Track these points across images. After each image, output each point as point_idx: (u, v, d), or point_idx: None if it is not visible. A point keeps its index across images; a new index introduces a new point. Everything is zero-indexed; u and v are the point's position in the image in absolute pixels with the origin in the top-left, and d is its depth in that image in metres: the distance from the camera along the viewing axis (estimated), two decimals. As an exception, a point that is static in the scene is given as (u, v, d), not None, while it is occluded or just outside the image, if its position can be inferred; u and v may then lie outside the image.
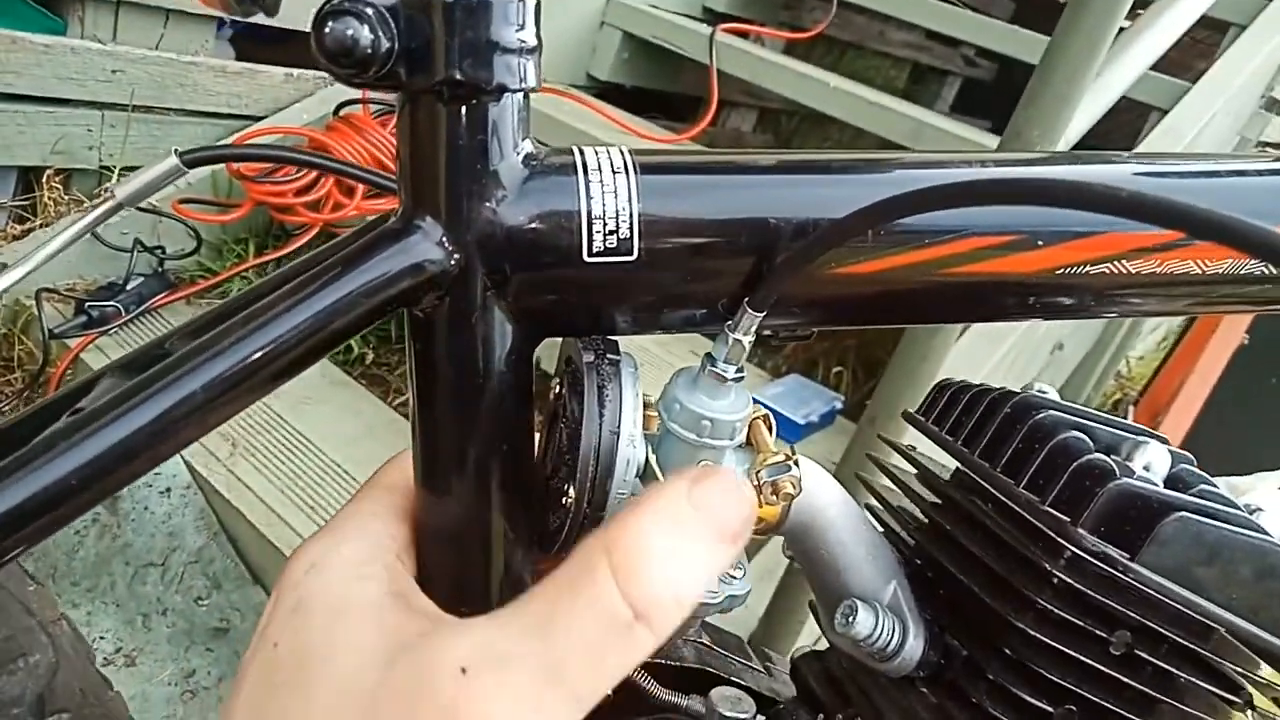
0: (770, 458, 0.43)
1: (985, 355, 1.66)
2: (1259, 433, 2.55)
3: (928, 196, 0.34)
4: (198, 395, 0.34)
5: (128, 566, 1.60)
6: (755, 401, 0.43)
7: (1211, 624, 0.42)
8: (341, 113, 2.08)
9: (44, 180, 1.92)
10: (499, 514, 0.41)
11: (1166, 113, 2.07)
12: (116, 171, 1.96)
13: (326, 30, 0.33)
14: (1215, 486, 0.46)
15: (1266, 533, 0.43)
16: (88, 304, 1.75)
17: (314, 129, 2.07)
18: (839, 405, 1.89)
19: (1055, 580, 0.42)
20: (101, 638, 1.57)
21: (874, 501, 0.54)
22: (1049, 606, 0.42)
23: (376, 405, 1.85)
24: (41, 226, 1.91)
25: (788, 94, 2.35)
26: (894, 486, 0.53)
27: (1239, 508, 0.45)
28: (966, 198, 0.34)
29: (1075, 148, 1.39)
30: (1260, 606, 0.42)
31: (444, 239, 0.37)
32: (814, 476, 0.47)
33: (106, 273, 1.87)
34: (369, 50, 0.33)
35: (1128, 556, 0.42)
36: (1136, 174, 0.46)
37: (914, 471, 0.54)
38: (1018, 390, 0.49)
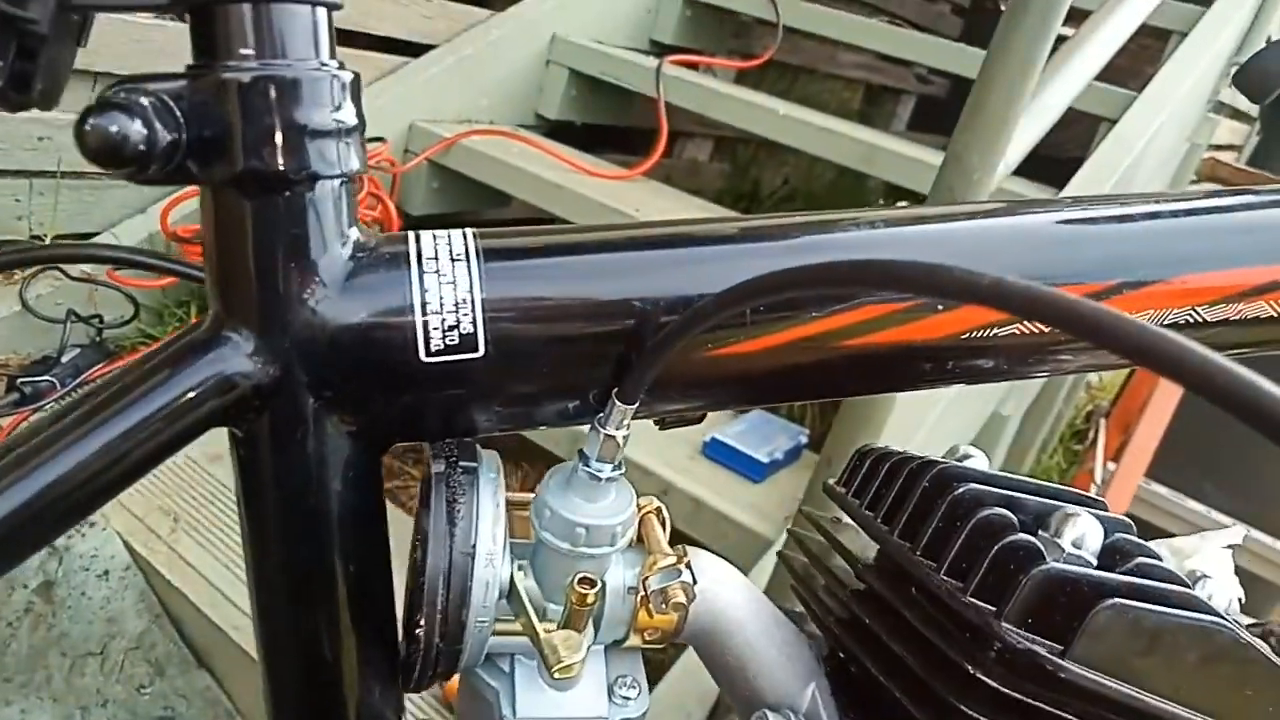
0: (660, 561, 0.38)
1: (947, 381, 1.63)
2: (1232, 435, 2.53)
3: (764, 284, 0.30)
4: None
5: (64, 657, 1.53)
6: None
7: (1157, 720, 0.38)
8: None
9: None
10: (349, 648, 0.37)
11: (1116, 122, 2.07)
12: (49, 239, 1.90)
13: (87, 128, 0.29)
14: (1155, 556, 0.42)
15: (1211, 609, 0.39)
16: (20, 380, 1.68)
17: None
18: (804, 440, 1.84)
19: (980, 683, 0.38)
20: (40, 733, 1.49)
21: (798, 584, 0.50)
22: (974, 715, 0.37)
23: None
24: (-27, 300, 1.84)
25: (737, 123, 2.32)
26: (816, 567, 0.49)
27: (1181, 580, 0.41)
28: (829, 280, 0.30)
29: (1024, 164, 1.37)
30: (1210, 695, 0.38)
31: (257, 348, 0.32)
32: (716, 574, 0.42)
33: (41, 346, 1.80)
34: (142, 147, 0.29)
35: (1059, 650, 0.37)
36: (1059, 221, 0.43)
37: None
38: (939, 459, 0.45)
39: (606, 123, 2.80)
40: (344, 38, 2.15)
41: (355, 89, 0.33)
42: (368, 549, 0.37)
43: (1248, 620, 0.43)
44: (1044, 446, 2.94)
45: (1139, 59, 2.47)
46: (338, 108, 0.32)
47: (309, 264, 0.32)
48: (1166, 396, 2.44)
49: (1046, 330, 0.39)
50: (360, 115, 0.33)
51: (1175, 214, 0.43)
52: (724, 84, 2.63)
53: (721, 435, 1.75)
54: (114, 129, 0.28)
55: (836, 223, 0.38)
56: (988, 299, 0.22)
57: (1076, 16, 1.49)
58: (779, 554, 0.53)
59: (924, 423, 1.54)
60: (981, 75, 1.07)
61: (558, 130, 2.61)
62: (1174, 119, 2.18)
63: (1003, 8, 1.04)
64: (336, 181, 0.32)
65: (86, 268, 1.77)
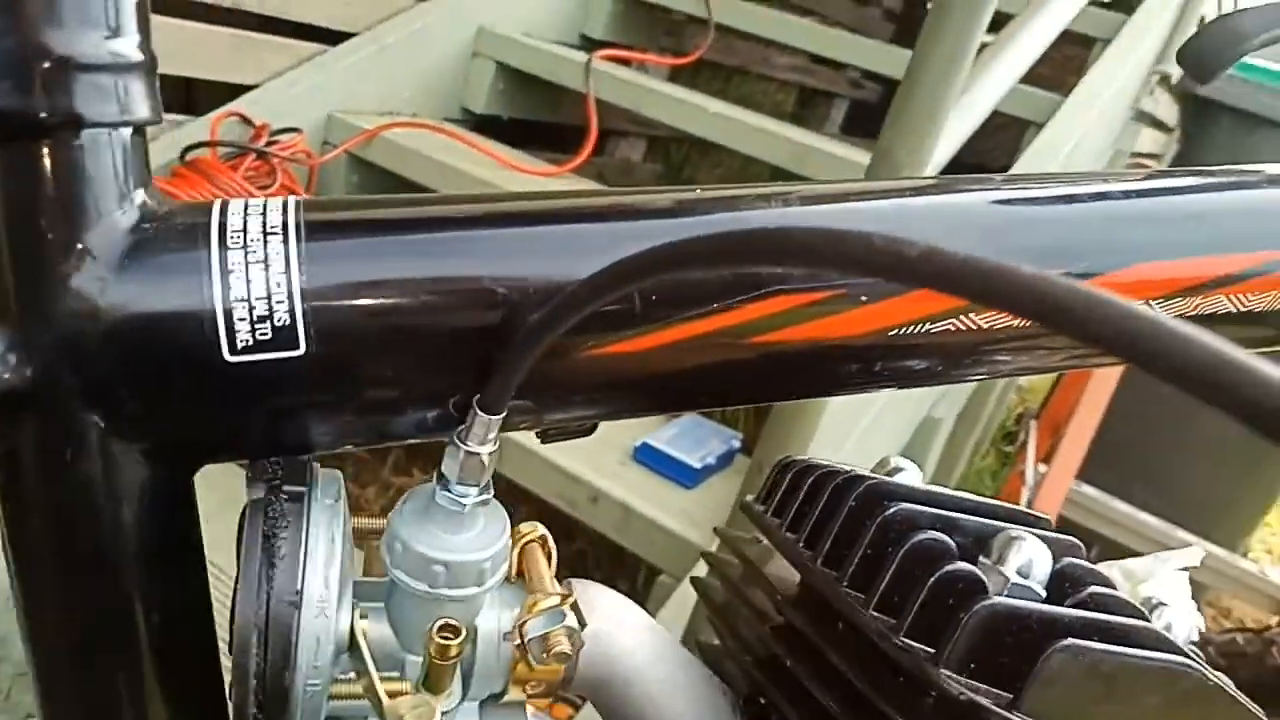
0: (541, 602, 0.32)
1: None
2: (1164, 436, 2.55)
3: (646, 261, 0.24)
4: None
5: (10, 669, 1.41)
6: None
7: (1117, 776, 0.33)
8: (188, 158, 1.92)
9: None
10: (150, 717, 0.29)
11: (1043, 126, 2.06)
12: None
13: None
14: (1107, 583, 0.37)
15: (1173, 645, 0.34)
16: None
17: (159, 177, 1.91)
18: (737, 445, 1.79)
19: (916, 740, 0.32)
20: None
21: (714, 615, 0.44)
22: (909, 777, 0.32)
23: (234, 475, 1.68)
24: None
25: (669, 121, 2.27)
26: (733, 598, 0.43)
27: (1139, 611, 0.36)
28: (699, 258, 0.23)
29: (949, 167, 1.34)
30: (1175, 744, 0.33)
31: (7, 342, 0.25)
32: (610, 613, 0.36)
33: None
34: None
35: (1007, 701, 0.32)
36: (994, 202, 0.37)
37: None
38: (867, 474, 0.40)
39: (535, 118, 2.73)
40: (262, 24, 2.05)
41: (142, 14, 0.26)
42: (178, 597, 0.30)
43: (1244, 629, 0.38)
44: (976, 449, 2.95)
45: (1064, 69, 2.49)
46: (114, 33, 0.25)
47: (76, 236, 0.25)
48: (1096, 398, 2.45)
49: (985, 326, 0.34)
50: (149, 50, 0.26)
51: (1126, 195, 0.38)
52: (656, 81, 2.58)
53: (653, 440, 1.69)
54: None
55: (743, 199, 0.32)
56: (918, 273, 0.17)
57: (1002, 22, 1.48)
58: (692, 580, 0.47)
59: (858, 425, 1.50)
60: (909, 71, 1.03)
61: (484, 125, 2.53)
62: (1100, 123, 2.19)
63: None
64: (113, 130, 0.25)
65: None
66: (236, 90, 2.03)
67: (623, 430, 1.72)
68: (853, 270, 0.18)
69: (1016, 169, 1.92)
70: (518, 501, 1.91)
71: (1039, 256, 0.37)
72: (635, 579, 1.87)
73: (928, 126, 1.02)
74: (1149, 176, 0.41)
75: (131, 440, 0.27)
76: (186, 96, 2.11)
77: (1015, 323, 0.35)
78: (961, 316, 0.34)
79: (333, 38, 2.19)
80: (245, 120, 1.98)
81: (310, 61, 2.14)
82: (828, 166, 2.05)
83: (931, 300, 0.33)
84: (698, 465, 1.68)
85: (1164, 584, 0.41)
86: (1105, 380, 2.40)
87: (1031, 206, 0.38)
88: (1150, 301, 0.38)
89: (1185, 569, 0.42)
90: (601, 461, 1.63)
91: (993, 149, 2.29)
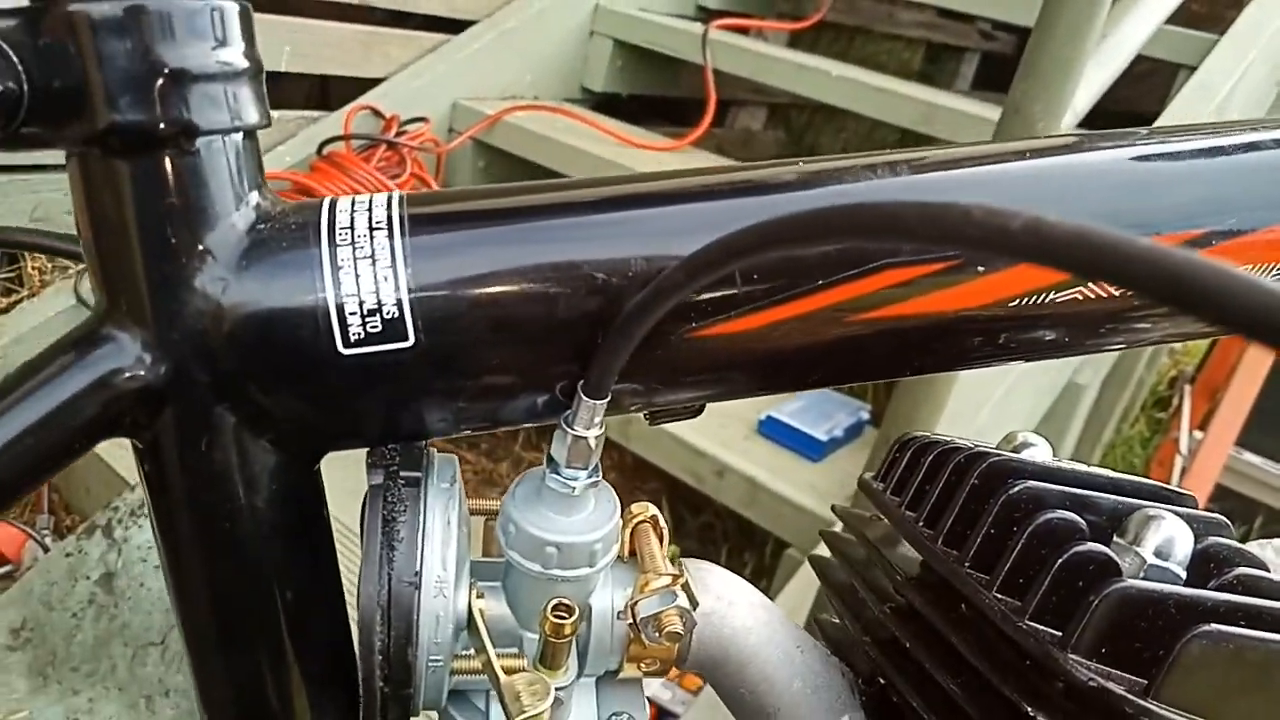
0: (652, 582, 0.32)
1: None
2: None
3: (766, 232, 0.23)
4: None
5: (127, 647, 1.53)
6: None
7: (1267, 771, 0.31)
8: (325, 151, 2.01)
9: (27, 250, 1.88)
10: (296, 692, 0.31)
11: (1195, 70, 1.92)
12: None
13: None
14: (1258, 564, 0.34)
15: (1335, 631, 0.32)
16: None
17: (298, 171, 2.01)
18: (865, 416, 1.76)
19: (1043, 728, 0.31)
20: (104, 724, 1.50)
21: (833, 595, 0.43)
22: (1035, 766, 0.31)
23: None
24: (29, 297, 1.86)
25: (789, 87, 2.23)
26: (852, 577, 0.42)
27: (1294, 593, 0.33)
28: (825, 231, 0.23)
29: (1089, 117, 1.26)
30: (1336, 740, 0.31)
31: (143, 343, 0.27)
32: (724, 593, 0.36)
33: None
34: (-31, 102, 0.24)
35: (1141, 688, 0.30)
36: (1134, 159, 0.35)
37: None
38: (992, 450, 0.38)
39: (654, 93, 2.72)
40: (388, 18, 2.12)
41: (246, 23, 0.27)
42: (310, 576, 0.32)
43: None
44: (1125, 416, 2.79)
45: (1219, 3, 2.30)
46: (221, 44, 0.26)
47: (197, 239, 0.27)
48: (1258, 359, 2.28)
49: (1116, 294, 0.32)
50: (254, 57, 0.27)
51: (1277, 144, 0.35)
52: (775, 48, 2.53)
53: (778, 413, 1.68)
54: (-72, 83, 0.23)
55: (848, 170, 0.31)
56: (1021, 247, 0.16)
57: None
58: (811, 559, 0.47)
59: (991, 397, 1.44)
60: (1042, 15, 0.97)
61: (604, 103, 2.55)
62: (1263, 60, 2.01)
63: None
64: (226, 136, 0.27)
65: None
66: (366, 84, 2.10)
67: (747, 404, 1.71)
68: (951, 245, 0.17)
69: (1165, 117, 1.79)
70: (646, 477, 1.93)
71: (1180, 215, 0.34)
72: (763, 552, 1.86)
73: (1063, 76, 0.96)
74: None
75: (259, 431, 0.29)
76: (321, 93, 2.21)
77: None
78: (1089, 285, 0.32)
79: (455, 27, 2.25)
80: (376, 113, 2.06)
81: (434, 52, 2.19)
82: (958, 126, 1.96)
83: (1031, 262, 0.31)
84: (824, 438, 1.65)
85: (1326, 564, 0.38)
86: (1270, 340, 2.22)
87: (1172, 163, 0.35)
88: (1306, 259, 0.35)
89: (1351, 547, 0.39)
90: (727, 436, 1.63)
91: (1142, 95, 2.14)
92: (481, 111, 2.17)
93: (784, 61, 2.24)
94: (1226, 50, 1.91)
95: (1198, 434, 2.24)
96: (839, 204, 0.19)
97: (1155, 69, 2.06)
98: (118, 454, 1.60)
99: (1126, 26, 1.20)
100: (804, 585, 1.29)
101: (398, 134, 2.03)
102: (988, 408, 1.43)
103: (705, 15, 2.74)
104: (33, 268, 1.89)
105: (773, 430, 1.66)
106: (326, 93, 2.20)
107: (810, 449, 1.63)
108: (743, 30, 2.65)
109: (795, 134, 3.17)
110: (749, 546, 1.91)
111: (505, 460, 1.92)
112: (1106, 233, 0.15)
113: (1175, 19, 1.63)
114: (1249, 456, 2.38)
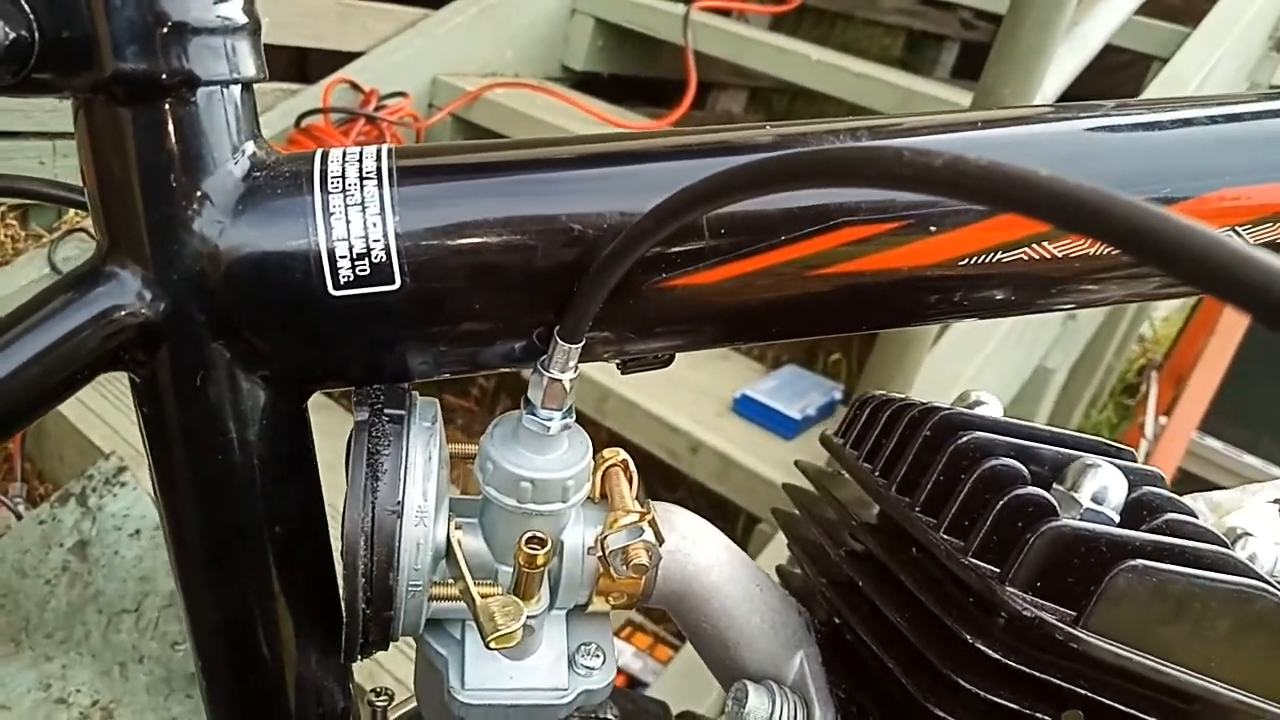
0: (621, 519, 0.34)
1: (986, 331, 1.56)
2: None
3: (733, 179, 0.25)
4: None
5: (101, 615, 1.54)
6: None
7: (1184, 696, 0.33)
8: (303, 124, 2.01)
9: (0, 218, 1.87)
10: (283, 618, 0.33)
11: (1167, 61, 1.95)
12: (76, 202, 1.90)
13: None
14: (1187, 511, 0.37)
15: (1250, 570, 0.34)
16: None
17: (275, 143, 2.00)
18: (838, 396, 1.79)
19: (981, 654, 0.33)
20: (78, 690, 1.51)
21: (793, 543, 0.46)
22: (975, 690, 0.33)
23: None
24: (1, 265, 1.85)
25: (770, 71, 2.24)
26: (811, 526, 0.44)
27: (1217, 538, 0.36)
28: (790, 177, 0.25)
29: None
30: (1245, 667, 0.33)
31: (143, 281, 0.29)
32: (689, 533, 0.38)
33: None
34: (-15, 46, 0.25)
35: (1072, 618, 0.33)
36: (1097, 128, 0.37)
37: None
38: (944, 406, 0.40)
39: (635, 73, 2.73)
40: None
41: (249, -25, 0.28)
42: (297, 508, 0.34)
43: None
44: (1093, 401, 2.84)
45: (1192, -1, 2.34)
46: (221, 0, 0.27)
47: (196, 184, 0.28)
48: (1222, 348, 2.34)
49: (1059, 255, 0.34)
50: (253, 13, 0.29)
51: (1213, 120, 0.38)
52: (756, 30, 2.54)
53: (752, 391, 1.70)
54: (-54, 25, 0.25)
55: (813, 134, 0.33)
56: (940, 181, 0.18)
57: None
58: (774, 511, 0.49)
59: (961, 376, 1.48)
60: (1014, 2, 1.00)
61: (585, 82, 2.55)
62: (1232, 55, 2.05)
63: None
64: (225, 88, 0.28)
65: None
66: (345, 58, 2.10)
67: (723, 383, 1.74)
68: (886, 183, 0.19)
69: (1136, 106, 1.83)
70: (621, 452, 1.96)
71: (1119, 183, 0.36)
72: (735, 527, 1.89)
73: (1033, 62, 0.99)
74: (1259, 98, 0.40)
75: (252, 368, 0.30)
76: (300, 66, 2.20)
77: (1090, 251, 0.35)
78: (1035, 245, 0.34)
79: (435, 1, 2.24)
80: (355, 87, 2.06)
81: (414, 26, 2.19)
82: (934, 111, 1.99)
83: (1001, 228, 0.33)
84: (797, 416, 1.68)
85: (1252, 514, 0.41)
86: (1231, 329, 2.28)
87: (1112, 134, 0.38)
88: (1237, 227, 0.38)
89: (1277, 500, 0.42)
90: (701, 413, 1.65)
91: (1114, 88, 2.17)
92: (461, 88, 2.17)
93: (765, 44, 2.25)
94: (1198, 43, 1.95)
95: (1163, 419, 2.29)
96: (795, 151, 0.21)
97: (1133, 61, 2.09)
98: (92, 421, 1.60)
99: (1096, 15, 1.23)
100: (774, 557, 1.31)
101: (376, 108, 2.03)
102: (956, 389, 1.46)
103: (687, -4, 2.74)
104: (4, 235, 1.88)
105: (747, 408, 1.69)
106: (305, 65, 2.19)
107: (784, 427, 1.66)
108: (724, 12, 2.65)
109: (775, 118, 3.17)
110: (721, 521, 1.93)
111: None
112: (1014, 168, 0.17)
113: (1154, 12, 1.66)
114: (1211, 442, 2.44)
